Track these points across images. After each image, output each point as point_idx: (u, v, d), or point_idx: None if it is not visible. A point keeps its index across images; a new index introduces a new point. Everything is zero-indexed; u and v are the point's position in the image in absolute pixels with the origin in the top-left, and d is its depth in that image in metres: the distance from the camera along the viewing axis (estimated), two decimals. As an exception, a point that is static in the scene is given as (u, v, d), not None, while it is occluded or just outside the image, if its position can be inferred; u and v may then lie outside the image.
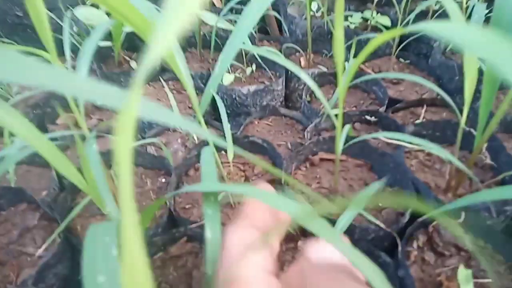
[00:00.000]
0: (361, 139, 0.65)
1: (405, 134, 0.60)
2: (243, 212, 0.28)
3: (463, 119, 0.66)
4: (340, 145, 0.64)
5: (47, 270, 0.62)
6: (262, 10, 0.49)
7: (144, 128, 1.06)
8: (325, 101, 0.64)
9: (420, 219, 0.66)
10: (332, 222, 0.58)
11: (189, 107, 1.11)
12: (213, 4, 1.72)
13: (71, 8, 1.37)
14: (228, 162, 0.81)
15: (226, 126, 0.68)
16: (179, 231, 0.67)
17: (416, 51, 1.29)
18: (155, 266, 0.66)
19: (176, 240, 0.68)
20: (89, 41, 0.64)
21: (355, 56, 1.14)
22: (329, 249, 0.25)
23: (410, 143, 0.66)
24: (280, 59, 0.65)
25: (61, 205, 0.72)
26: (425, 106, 1.00)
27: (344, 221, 0.56)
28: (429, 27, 0.31)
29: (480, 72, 0.61)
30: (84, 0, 1.35)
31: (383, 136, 0.66)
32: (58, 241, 0.66)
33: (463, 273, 0.55)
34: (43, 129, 1.05)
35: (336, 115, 0.95)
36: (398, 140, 0.61)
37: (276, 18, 1.55)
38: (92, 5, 1.35)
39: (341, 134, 0.64)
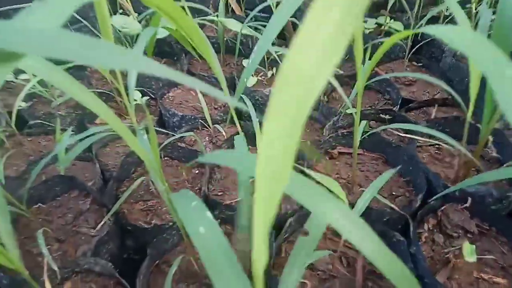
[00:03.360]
0: (375, 131, 0.73)
1: (413, 125, 0.68)
2: None
3: (469, 114, 0.73)
4: (357, 138, 0.72)
5: (101, 246, 0.72)
6: (285, 20, 0.58)
7: (174, 128, 1.16)
8: (347, 99, 0.73)
9: (430, 204, 0.73)
10: (352, 205, 0.66)
11: (214, 108, 1.20)
12: (233, 12, 1.82)
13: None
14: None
15: (255, 119, 0.76)
16: (213, 214, 0.75)
17: (428, 55, 1.36)
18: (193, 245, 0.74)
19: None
20: (137, 46, 0.74)
21: (370, 59, 1.22)
22: None
23: (421, 136, 0.74)
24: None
25: (109, 193, 0.82)
26: (436, 106, 1.07)
27: (362, 203, 0.64)
28: (432, 29, 0.39)
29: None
30: (117, 9, 1.47)
31: (394, 127, 0.74)
32: (108, 223, 0.75)
33: (467, 247, 0.62)
34: (83, 128, 1.15)
35: (350, 114, 1.03)
36: (407, 130, 0.68)
37: (293, 23, 1.64)
38: (124, 13, 1.46)
39: (359, 129, 0.73)
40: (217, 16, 1.28)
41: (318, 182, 0.80)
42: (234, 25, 1.18)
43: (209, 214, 0.38)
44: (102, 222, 0.72)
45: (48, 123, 1.10)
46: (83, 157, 0.99)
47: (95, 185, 0.89)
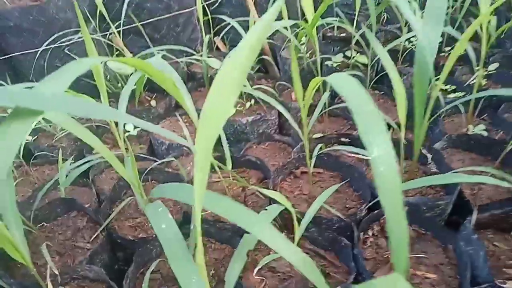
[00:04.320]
0: (325, 151, 0.87)
1: (352, 147, 0.82)
2: None
3: (402, 135, 0.88)
4: (308, 159, 0.86)
5: (95, 257, 0.84)
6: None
7: (163, 155, 1.31)
8: (297, 128, 0.87)
9: (373, 213, 0.87)
10: (303, 214, 0.79)
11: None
12: (218, 49, 2.01)
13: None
14: (229, 176, 1.04)
15: (226, 146, 0.91)
16: (190, 228, 0.89)
17: (388, 84, 1.51)
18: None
19: (188, 235, 0.90)
20: (126, 88, 0.90)
21: (331, 91, 1.38)
22: None
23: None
24: (264, 96, 0.89)
25: (102, 212, 0.95)
26: (391, 129, 1.22)
27: (311, 211, 0.77)
28: (329, 78, 0.54)
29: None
30: (113, 51, 1.65)
31: (337, 148, 0.89)
32: (101, 237, 0.89)
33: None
34: (83, 158, 1.30)
35: (315, 138, 1.18)
36: (350, 152, 0.83)
37: (276, 60, 1.82)
38: (120, 54, 1.64)
39: (311, 151, 0.87)
40: (201, 55, 1.46)
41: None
42: (214, 64, 1.35)
43: (169, 215, 0.51)
44: (95, 235, 0.86)
45: (51, 154, 1.25)
46: (81, 183, 1.13)
47: (91, 206, 1.02)
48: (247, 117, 1.29)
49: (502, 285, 0.73)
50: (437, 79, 1.41)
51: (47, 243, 0.86)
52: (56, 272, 0.73)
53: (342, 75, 0.54)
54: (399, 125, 0.88)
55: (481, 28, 1.07)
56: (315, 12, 1.03)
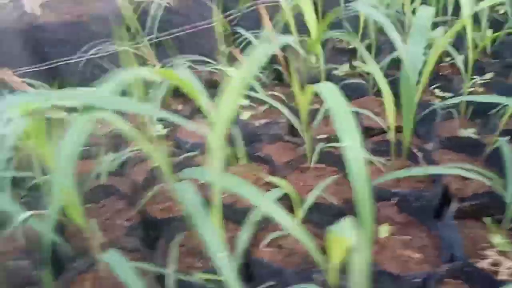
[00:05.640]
0: (326, 150, 1.02)
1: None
2: None
3: (392, 136, 1.02)
4: (309, 155, 1.02)
5: (132, 232, 1.02)
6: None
7: (187, 151, 1.48)
8: (298, 128, 1.03)
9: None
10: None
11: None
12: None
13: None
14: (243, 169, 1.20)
15: (240, 143, 1.07)
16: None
17: (393, 90, 1.65)
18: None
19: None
20: (159, 92, 1.08)
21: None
22: None
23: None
24: (271, 101, 1.05)
25: (137, 197, 1.13)
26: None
27: (310, 199, 0.92)
28: (315, 87, 0.69)
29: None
30: (140, 62, 1.84)
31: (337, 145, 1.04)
32: (136, 217, 1.06)
33: (383, 228, 0.89)
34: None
35: (320, 138, 1.33)
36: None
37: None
38: (150, 63, 1.83)
39: (312, 149, 1.03)
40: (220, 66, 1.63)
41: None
42: (231, 73, 1.52)
43: (193, 189, 0.68)
44: (130, 216, 1.03)
45: (94, 149, 1.45)
46: (119, 172, 1.32)
47: (128, 193, 1.20)
48: (260, 120, 1.45)
49: (474, 264, 0.86)
50: (435, 88, 1.54)
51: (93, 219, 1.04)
52: (102, 241, 0.91)
53: (328, 85, 0.69)
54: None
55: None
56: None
